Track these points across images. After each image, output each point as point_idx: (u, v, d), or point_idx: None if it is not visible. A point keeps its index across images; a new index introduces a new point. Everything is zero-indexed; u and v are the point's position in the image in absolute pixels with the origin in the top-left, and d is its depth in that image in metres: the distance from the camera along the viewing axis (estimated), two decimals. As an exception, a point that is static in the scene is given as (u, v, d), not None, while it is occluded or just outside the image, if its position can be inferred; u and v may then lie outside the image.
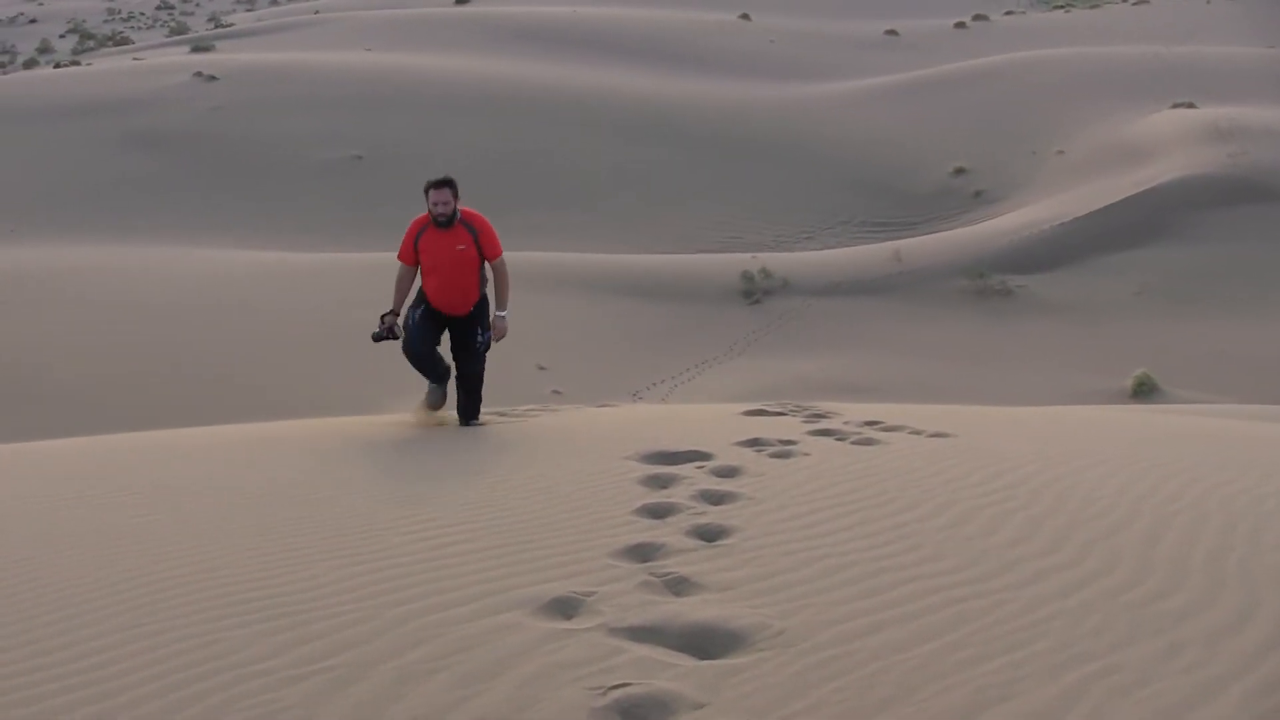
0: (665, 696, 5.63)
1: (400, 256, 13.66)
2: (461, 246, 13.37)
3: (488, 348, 13.94)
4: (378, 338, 13.68)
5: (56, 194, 60.19)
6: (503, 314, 13.85)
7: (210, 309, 39.37)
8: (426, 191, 13.31)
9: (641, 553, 7.69)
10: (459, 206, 13.43)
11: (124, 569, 7.86)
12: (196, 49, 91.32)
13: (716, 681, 5.77)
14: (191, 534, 8.64)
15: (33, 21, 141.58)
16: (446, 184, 13.32)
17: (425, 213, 13.42)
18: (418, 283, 13.83)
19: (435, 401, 14.15)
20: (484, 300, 13.83)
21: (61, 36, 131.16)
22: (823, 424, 12.67)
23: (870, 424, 12.63)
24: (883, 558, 7.40)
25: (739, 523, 8.22)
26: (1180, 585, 6.88)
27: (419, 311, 13.70)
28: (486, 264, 13.71)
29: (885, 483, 9.27)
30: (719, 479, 9.60)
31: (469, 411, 14.02)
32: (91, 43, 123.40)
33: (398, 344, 13.79)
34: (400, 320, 13.72)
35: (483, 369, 13.99)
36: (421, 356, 13.77)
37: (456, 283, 13.53)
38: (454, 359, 13.97)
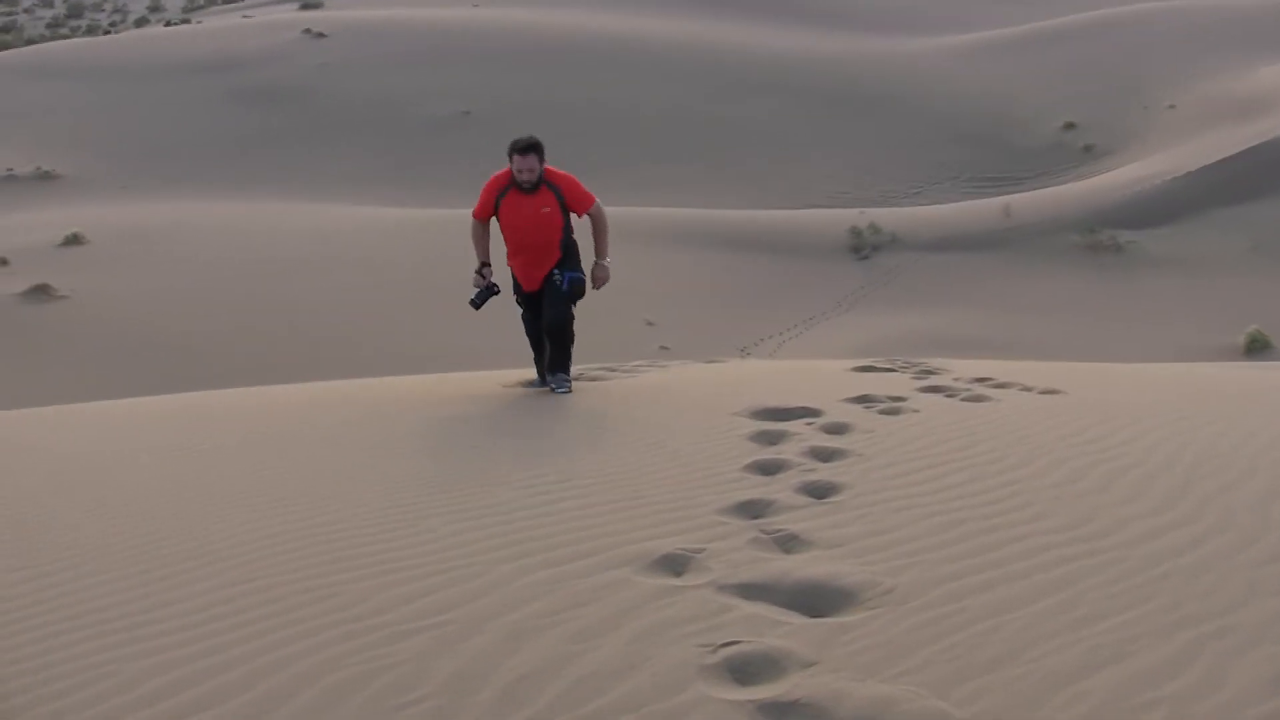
0: (775, 654, 5.64)
1: (477, 213, 13.01)
2: (547, 209, 12.69)
3: (574, 294, 12.97)
4: (480, 300, 12.93)
5: (168, 150, 60.92)
6: (605, 261, 13.06)
7: (320, 264, 39.72)
8: (510, 155, 12.57)
9: (751, 509, 7.70)
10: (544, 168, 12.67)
11: (235, 523, 7.96)
12: (305, 6, 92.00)
13: (827, 639, 5.78)
14: (305, 488, 8.74)
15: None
16: (533, 148, 12.53)
17: (505, 169, 12.71)
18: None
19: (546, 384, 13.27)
20: (564, 254, 12.97)
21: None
22: (932, 380, 12.63)
23: (980, 380, 12.57)
24: (993, 515, 7.37)
25: (849, 479, 8.21)
26: (1297, 545, 6.80)
27: (517, 300, 13.30)
28: (574, 218, 13.00)
29: (996, 439, 9.22)
30: (829, 435, 9.58)
31: (557, 365, 13.13)
32: (201, 1, 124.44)
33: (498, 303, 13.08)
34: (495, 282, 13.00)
35: (566, 316, 12.96)
36: (536, 336, 13.36)
37: (538, 245, 12.81)
38: (541, 309, 13.06)
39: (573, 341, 13.12)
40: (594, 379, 13.80)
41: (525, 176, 12.52)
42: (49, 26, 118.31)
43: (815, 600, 6.22)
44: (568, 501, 7.98)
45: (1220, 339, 33.98)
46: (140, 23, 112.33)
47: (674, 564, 6.77)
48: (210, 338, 33.06)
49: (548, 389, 13.07)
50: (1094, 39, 70.62)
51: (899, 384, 12.36)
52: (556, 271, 12.90)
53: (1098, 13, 76.35)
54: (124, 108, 65.25)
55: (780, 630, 5.88)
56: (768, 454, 9.00)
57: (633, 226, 43.71)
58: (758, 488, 8.14)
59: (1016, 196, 49.84)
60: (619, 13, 79.80)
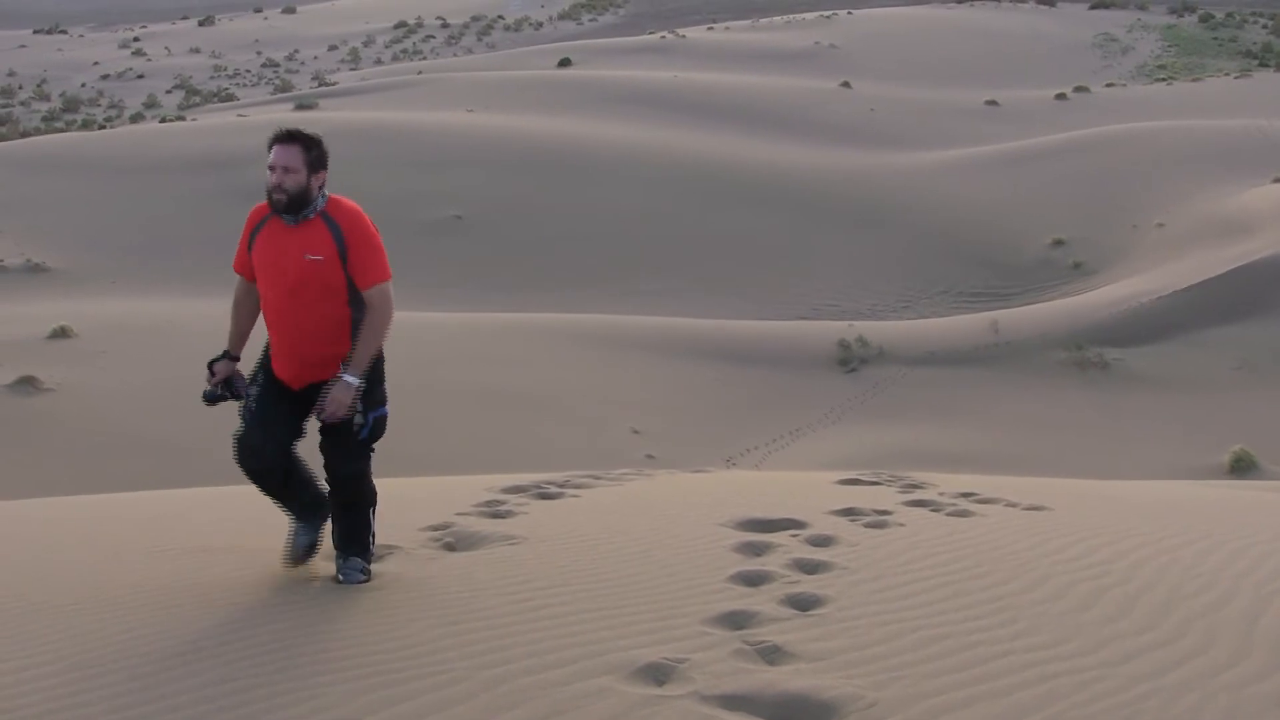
0: (757, 766, 5.63)
1: (236, 265, 8.76)
2: (316, 257, 8.21)
3: (374, 438, 8.66)
4: (212, 398, 8.77)
5: (159, 245, 60.92)
6: (352, 379, 8.21)
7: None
8: (270, 150, 8.42)
9: (735, 620, 7.68)
10: (319, 186, 8.39)
11: (215, 623, 7.91)
12: (300, 106, 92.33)
13: (808, 752, 5.76)
14: (287, 591, 8.68)
15: (140, 77, 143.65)
16: (296, 139, 8.41)
17: None
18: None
19: (297, 551, 8.89)
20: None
21: (168, 92, 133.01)
22: (918, 494, 12.62)
23: (966, 495, 12.56)
24: (976, 630, 7.36)
25: (833, 592, 8.20)
26: (1280, 666, 6.80)
27: (258, 379, 8.73)
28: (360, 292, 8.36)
29: (980, 555, 9.22)
30: (813, 548, 9.57)
31: (349, 539, 8.75)
32: (197, 98, 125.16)
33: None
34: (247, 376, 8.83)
35: (364, 472, 8.72)
36: (260, 459, 8.57)
37: (303, 316, 8.33)
38: (321, 451, 8.64)
39: (375, 501, 8.94)
40: (580, 486, 13.75)
41: (277, 180, 8.29)
42: (45, 119, 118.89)
43: (798, 713, 6.21)
44: (551, 608, 7.95)
45: (1206, 458, 34.01)
46: (135, 118, 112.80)
47: (656, 673, 6.75)
48: (193, 435, 32.96)
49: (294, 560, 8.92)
50: (1084, 157, 71.03)
51: (884, 497, 12.35)
52: (359, 410, 8.42)
53: (1088, 131, 76.88)
54: (116, 202, 65.33)
55: (762, 743, 5.87)
56: (752, 565, 8.98)
57: (621, 335, 43.81)
58: (742, 599, 8.12)
59: (1004, 312, 50.00)
60: (613, 122, 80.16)
